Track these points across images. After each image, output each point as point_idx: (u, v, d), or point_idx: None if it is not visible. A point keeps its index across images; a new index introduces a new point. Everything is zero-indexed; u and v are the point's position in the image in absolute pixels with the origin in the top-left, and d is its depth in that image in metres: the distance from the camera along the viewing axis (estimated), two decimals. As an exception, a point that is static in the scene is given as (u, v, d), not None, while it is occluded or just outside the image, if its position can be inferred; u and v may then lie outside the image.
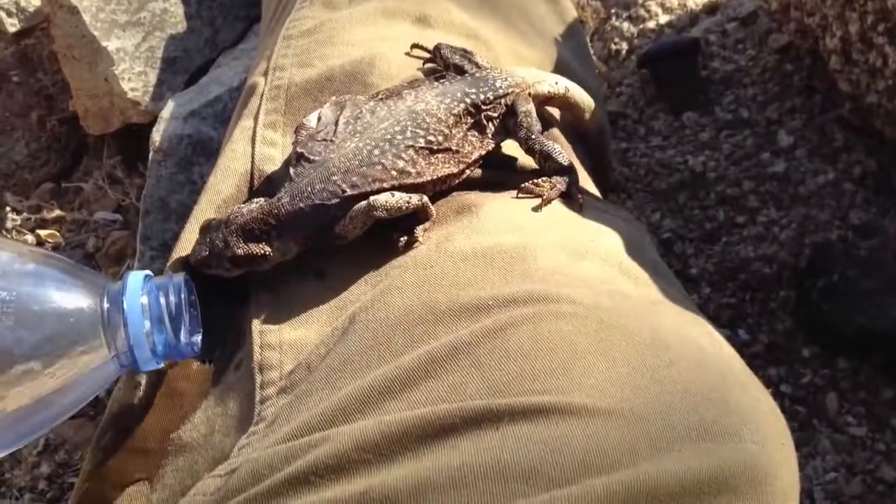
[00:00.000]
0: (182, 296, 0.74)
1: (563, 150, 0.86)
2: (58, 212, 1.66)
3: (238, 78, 1.55)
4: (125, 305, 0.70)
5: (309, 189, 0.79)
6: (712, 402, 0.63)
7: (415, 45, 0.98)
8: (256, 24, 1.77)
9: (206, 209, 0.89)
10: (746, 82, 1.59)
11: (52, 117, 1.83)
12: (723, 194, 1.46)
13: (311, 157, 0.81)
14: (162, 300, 0.73)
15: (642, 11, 1.77)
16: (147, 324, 0.71)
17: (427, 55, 0.98)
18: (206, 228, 0.80)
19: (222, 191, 0.90)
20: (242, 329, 0.80)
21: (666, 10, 1.75)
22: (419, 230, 0.78)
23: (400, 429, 0.60)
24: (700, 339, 0.71)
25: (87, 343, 0.70)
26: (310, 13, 1.06)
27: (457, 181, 0.84)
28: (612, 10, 1.81)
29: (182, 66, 1.68)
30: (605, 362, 0.63)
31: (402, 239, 0.78)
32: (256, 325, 0.77)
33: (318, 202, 0.78)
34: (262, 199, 0.80)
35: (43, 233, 1.61)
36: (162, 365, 0.74)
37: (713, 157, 1.51)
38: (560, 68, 1.14)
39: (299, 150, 0.83)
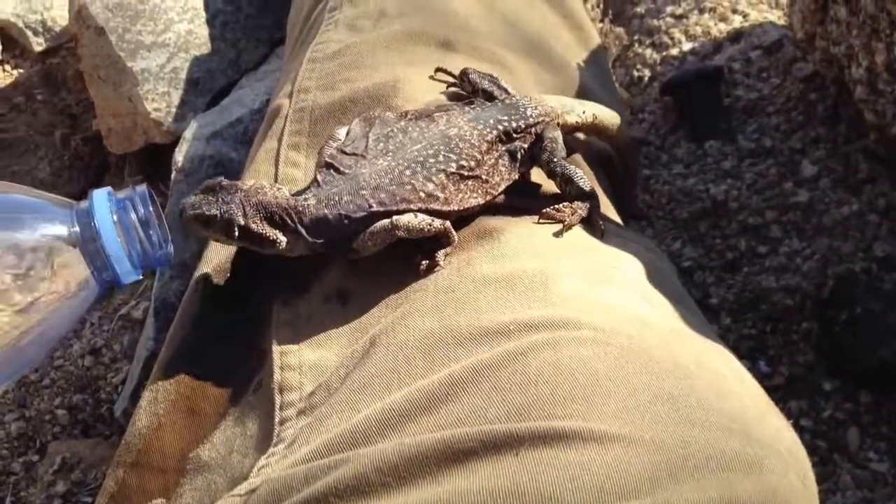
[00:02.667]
0: (149, 206, 0.75)
1: (584, 175, 0.86)
2: (79, 230, 1.66)
3: (260, 100, 1.55)
4: (97, 223, 0.72)
5: (336, 198, 0.79)
6: (733, 432, 0.62)
7: (439, 69, 0.98)
8: (279, 46, 1.78)
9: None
10: (770, 111, 1.58)
11: (75, 136, 1.84)
12: (745, 223, 1.45)
13: (341, 168, 0.82)
14: (132, 214, 0.74)
15: (665, 38, 1.77)
16: (121, 238, 0.73)
17: (451, 79, 0.98)
18: (214, 188, 0.80)
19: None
20: (263, 349, 0.80)
21: (689, 37, 1.75)
22: (440, 254, 0.78)
23: (419, 452, 0.59)
24: (721, 367, 0.71)
25: (66, 266, 0.71)
26: (335, 36, 1.07)
27: (480, 209, 0.84)
28: (635, 37, 1.81)
29: (205, 87, 1.69)
30: (626, 389, 0.63)
31: (423, 262, 0.78)
32: (277, 345, 0.78)
33: (343, 212, 0.78)
34: (286, 190, 0.81)
35: (64, 250, 1.62)
36: (141, 276, 0.75)
37: (735, 185, 1.50)
38: (582, 94, 1.14)
39: (328, 159, 0.83)
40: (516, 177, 0.86)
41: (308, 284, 0.83)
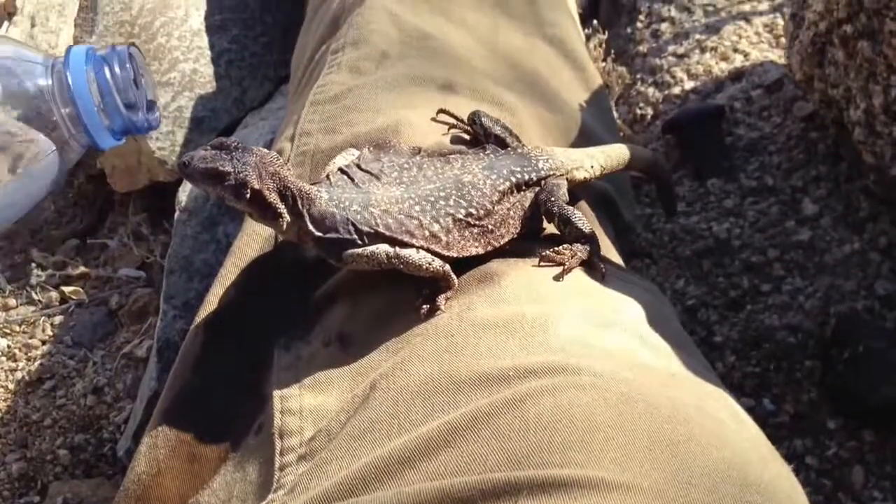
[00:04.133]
0: (128, 66, 0.71)
1: (583, 217, 0.86)
2: (82, 268, 1.67)
3: (264, 138, 1.56)
4: (70, 80, 0.68)
5: (347, 202, 0.80)
6: (732, 479, 0.62)
7: (442, 111, 0.98)
8: (284, 84, 1.79)
9: (231, 272, 0.90)
10: (771, 150, 1.58)
11: (79, 174, 1.84)
12: (747, 262, 1.45)
13: (354, 179, 0.82)
14: (107, 72, 0.70)
15: (668, 77, 1.78)
16: (96, 97, 0.69)
17: (453, 121, 0.98)
18: (227, 147, 0.79)
19: (247, 254, 0.91)
20: (263, 393, 0.80)
21: (691, 76, 1.76)
22: (441, 299, 0.78)
23: (419, 500, 0.59)
24: (720, 412, 0.71)
25: (42, 121, 0.68)
26: (337, 78, 1.08)
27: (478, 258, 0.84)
28: (638, 76, 1.82)
29: (209, 125, 1.70)
30: (625, 436, 0.63)
31: (424, 306, 0.78)
32: (277, 390, 0.77)
33: (350, 218, 0.79)
34: (297, 173, 0.81)
35: (67, 289, 1.62)
36: (123, 141, 0.72)
37: (738, 224, 1.50)
38: (583, 134, 1.15)
39: (343, 167, 0.84)
40: (522, 232, 0.86)
41: (309, 328, 0.83)
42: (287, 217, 0.79)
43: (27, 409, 1.46)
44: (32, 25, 1.94)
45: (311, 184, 0.82)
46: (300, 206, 0.79)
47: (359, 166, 0.85)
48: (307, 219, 0.79)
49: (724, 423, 0.69)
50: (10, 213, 0.71)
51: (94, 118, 0.69)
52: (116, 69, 0.71)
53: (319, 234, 0.79)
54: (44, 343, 1.56)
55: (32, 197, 0.72)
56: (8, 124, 0.68)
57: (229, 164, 0.77)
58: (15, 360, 1.53)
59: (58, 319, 1.60)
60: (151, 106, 0.73)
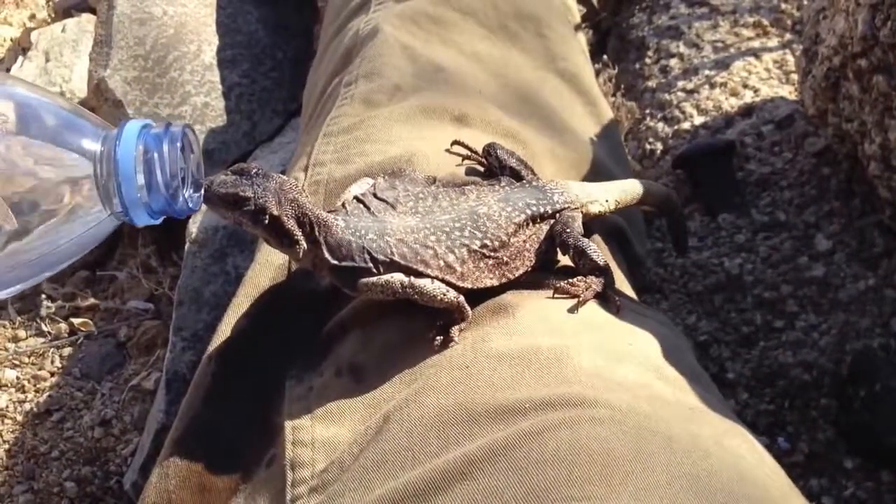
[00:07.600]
0: (179, 144, 0.69)
1: (597, 249, 0.85)
2: (92, 300, 1.66)
3: (274, 171, 1.55)
4: (118, 156, 0.66)
5: (363, 231, 0.80)
6: None
7: (456, 142, 0.98)
8: (293, 118, 1.80)
9: (243, 302, 0.89)
10: (783, 185, 1.58)
11: (90, 206, 1.84)
12: (760, 298, 1.44)
13: (370, 207, 0.82)
14: (156, 154, 0.68)
15: (677, 112, 1.77)
16: (140, 177, 0.66)
17: (466, 152, 0.98)
18: (247, 172, 0.79)
19: (260, 283, 0.91)
20: (275, 424, 0.79)
21: (701, 111, 1.76)
22: (455, 330, 0.78)
23: None
24: (740, 447, 0.70)
25: (80, 190, 0.66)
26: (350, 110, 1.08)
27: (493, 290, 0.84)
28: (647, 111, 1.82)
29: (219, 158, 1.70)
30: (644, 470, 0.61)
31: (437, 338, 0.77)
32: (289, 421, 0.77)
33: (366, 247, 0.79)
34: (316, 202, 0.80)
35: (76, 321, 1.62)
36: (159, 221, 0.70)
37: (750, 259, 1.49)
38: (595, 168, 1.14)
39: (360, 196, 0.84)
40: (537, 264, 0.86)
41: (320, 359, 0.82)
42: (304, 244, 0.79)
43: (35, 440, 1.45)
44: (47, 60, 1.95)
45: (328, 212, 0.82)
46: (317, 234, 0.79)
47: (374, 195, 0.84)
48: (323, 246, 0.79)
49: (744, 457, 0.68)
50: (16, 273, 0.69)
51: (134, 195, 0.67)
52: (166, 149, 0.68)
53: (335, 262, 0.79)
54: (52, 375, 1.56)
55: (51, 260, 0.68)
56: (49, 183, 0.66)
57: (250, 190, 0.77)
58: (24, 392, 1.53)
59: (67, 351, 1.59)
60: (197, 183, 0.71)
